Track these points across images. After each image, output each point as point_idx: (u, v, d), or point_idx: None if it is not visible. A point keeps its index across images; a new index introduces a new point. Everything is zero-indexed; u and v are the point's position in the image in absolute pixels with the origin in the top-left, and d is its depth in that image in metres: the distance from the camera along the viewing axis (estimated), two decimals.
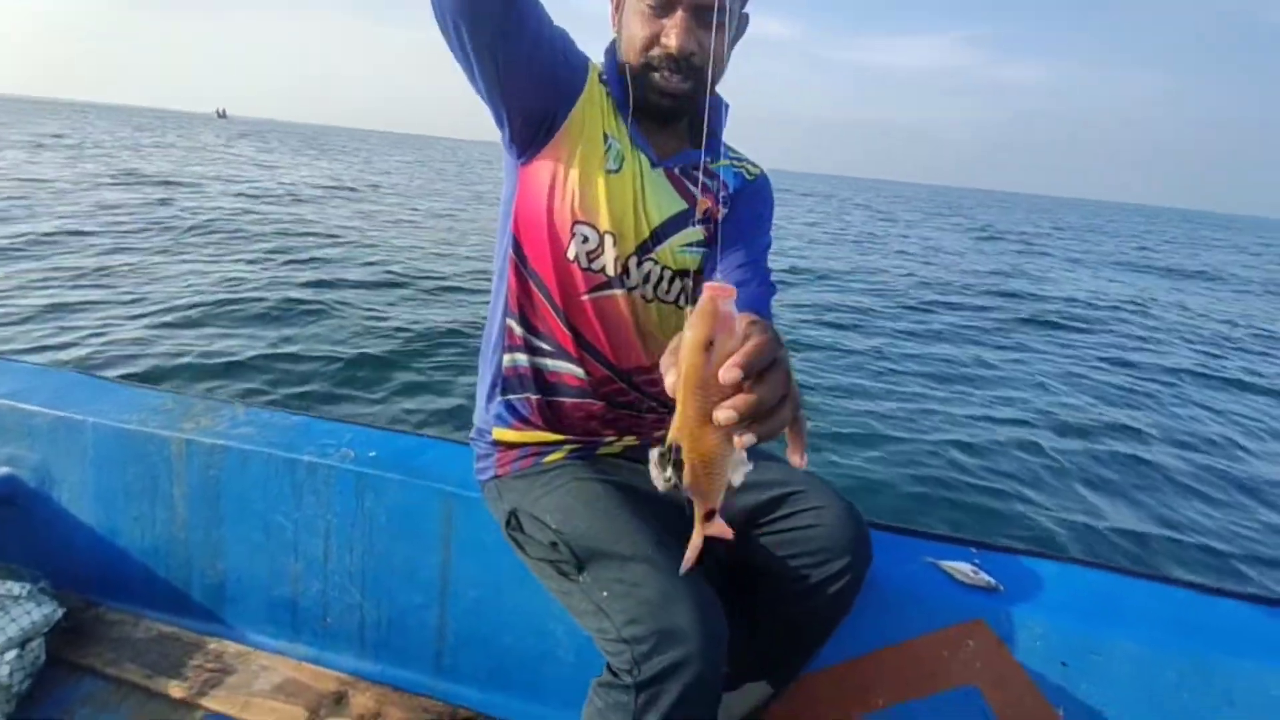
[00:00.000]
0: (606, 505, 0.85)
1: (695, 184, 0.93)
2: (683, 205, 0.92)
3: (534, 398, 0.95)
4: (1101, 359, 5.60)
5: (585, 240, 0.88)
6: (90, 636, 1.21)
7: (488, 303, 0.99)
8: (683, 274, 0.93)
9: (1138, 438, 3.82)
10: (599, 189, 0.87)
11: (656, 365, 0.95)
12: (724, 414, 0.42)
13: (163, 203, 9.35)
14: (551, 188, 0.87)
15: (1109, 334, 6.74)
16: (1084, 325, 7.05)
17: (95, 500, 1.32)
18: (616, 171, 0.88)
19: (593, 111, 0.88)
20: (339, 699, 1.11)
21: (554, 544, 0.83)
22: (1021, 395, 4.44)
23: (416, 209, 12.43)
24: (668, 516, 0.85)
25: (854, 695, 1.01)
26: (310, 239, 7.66)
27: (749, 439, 0.43)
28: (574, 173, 0.87)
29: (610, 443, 0.98)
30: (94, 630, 1.23)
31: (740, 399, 0.42)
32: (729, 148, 0.99)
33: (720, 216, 0.94)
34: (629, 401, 0.96)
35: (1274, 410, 4.70)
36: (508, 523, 0.90)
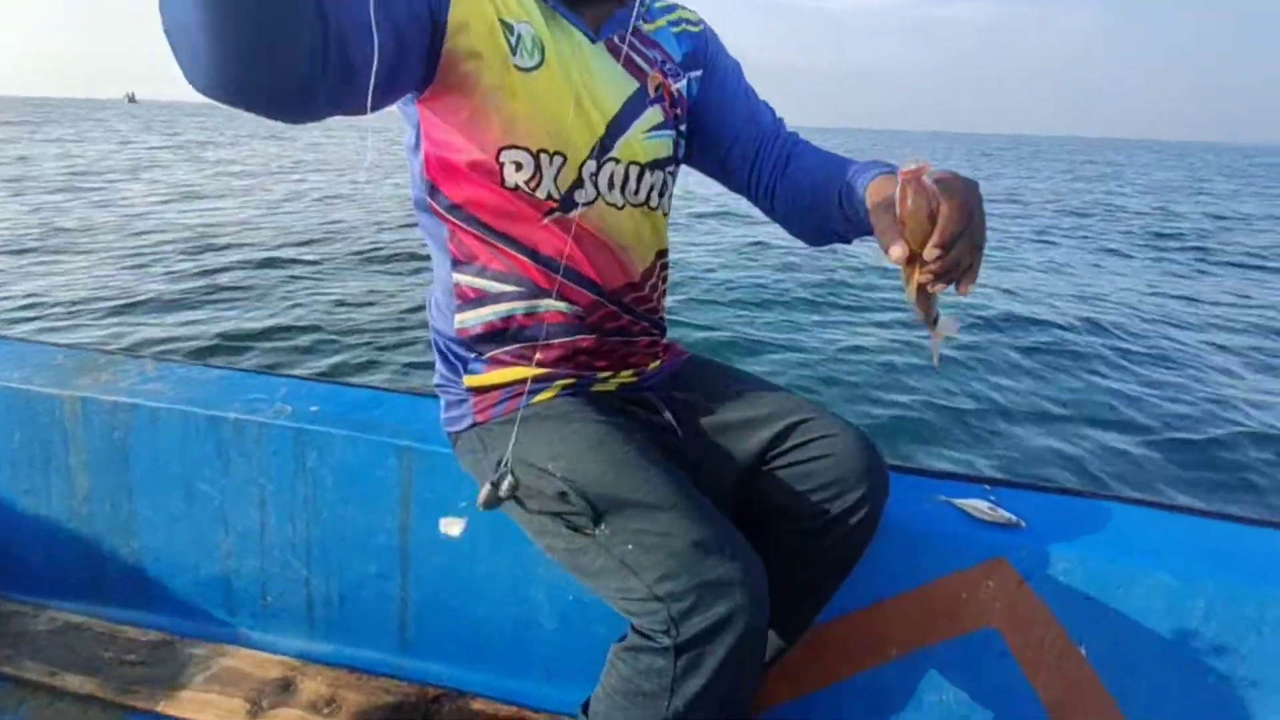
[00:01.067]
0: (618, 448, 0.72)
1: (635, 52, 0.78)
2: (634, 84, 0.77)
3: (507, 348, 0.80)
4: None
5: (519, 168, 0.72)
6: None
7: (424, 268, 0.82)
8: (653, 165, 0.79)
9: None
10: (514, 99, 0.69)
11: (643, 281, 0.83)
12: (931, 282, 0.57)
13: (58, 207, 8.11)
14: (458, 118, 0.70)
15: None
16: None
17: None
18: (534, 68, 0.70)
19: (477, 5, 0.68)
20: (285, 686, 0.97)
21: (563, 494, 0.70)
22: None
23: (357, 182, 11.75)
24: (674, 461, 0.75)
25: (867, 646, 0.94)
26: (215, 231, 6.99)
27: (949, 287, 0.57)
28: (478, 91, 0.69)
29: (605, 379, 0.84)
30: None
31: (937, 266, 0.55)
32: None
33: (676, 89, 0.81)
34: (620, 326, 0.82)
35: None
36: (497, 470, 0.77)
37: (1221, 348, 4.33)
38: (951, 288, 0.57)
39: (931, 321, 0.59)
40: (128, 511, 1.08)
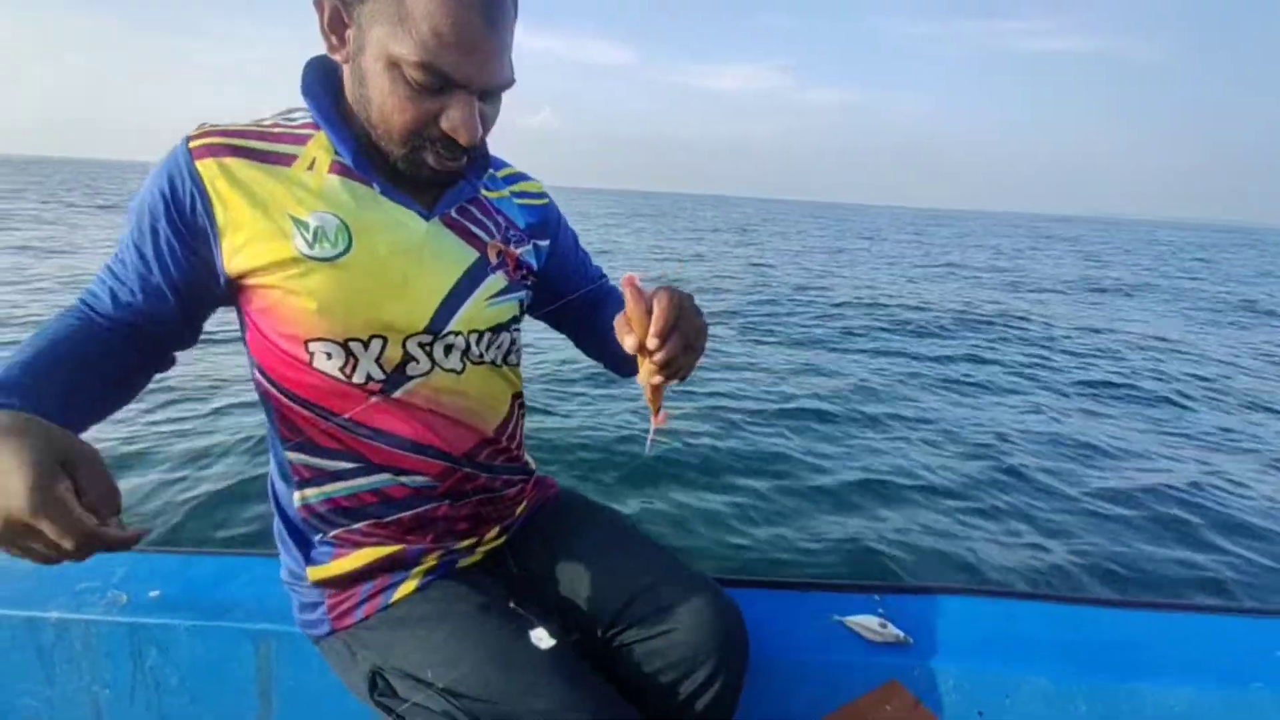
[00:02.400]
0: (500, 643, 0.68)
1: (475, 223, 0.76)
2: (474, 254, 0.74)
3: (355, 526, 0.74)
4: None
5: (329, 356, 0.68)
6: None
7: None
8: (496, 329, 0.77)
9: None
10: (309, 296, 0.65)
11: (498, 435, 0.79)
12: (652, 376, 0.63)
13: None
14: (262, 313, 0.68)
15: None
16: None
17: None
18: (337, 256, 0.66)
19: (250, 223, 0.65)
20: None
21: (445, 714, 0.65)
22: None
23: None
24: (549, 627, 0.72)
25: None
26: None
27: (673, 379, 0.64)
28: (272, 294, 0.66)
29: (470, 548, 0.79)
30: None
31: (658, 358, 0.60)
32: (496, 161, 0.83)
33: (519, 254, 0.80)
34: (479, 485, 0.78)
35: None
36: (372, 686, 0.70)
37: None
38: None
39: (655, 410, 0.66)
40: None
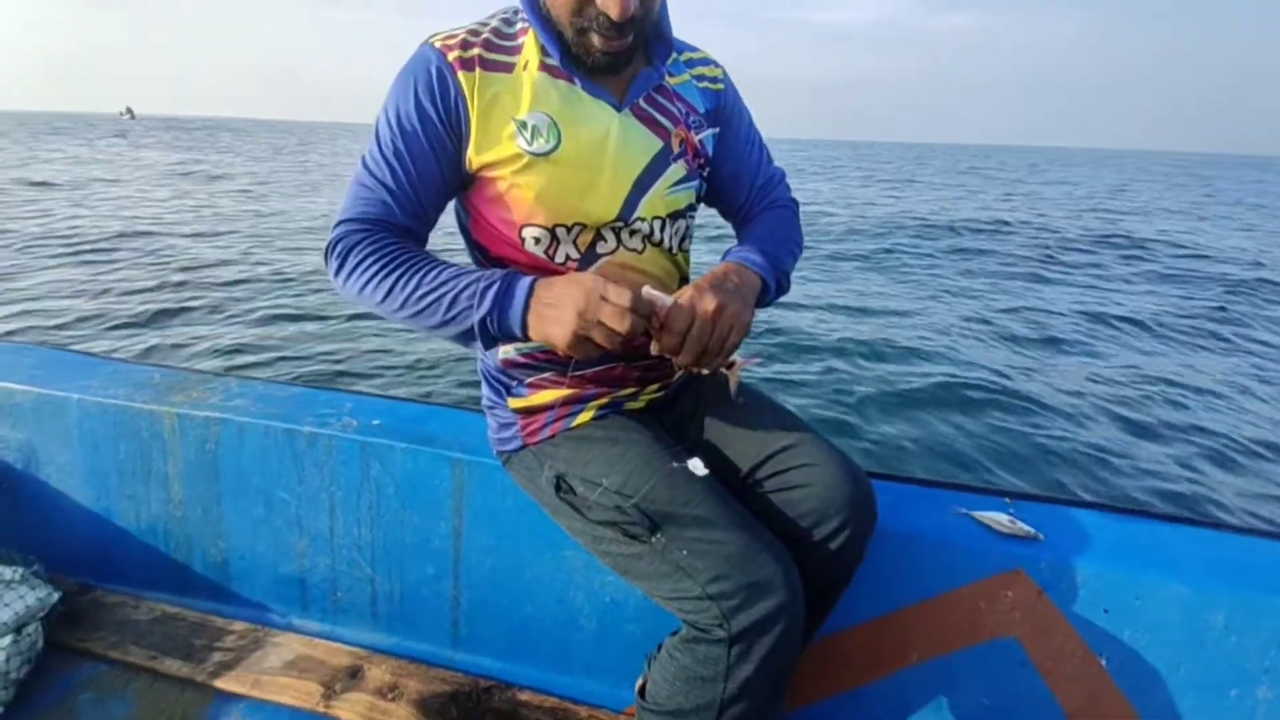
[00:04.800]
0: (663, 462, 0.81)
1: (661, 111, 0.85)
2: (659, 143, 0.84)
3: (545, 374, 0.89)
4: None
5: (537, 241, 0.81)
6: (89, 620, 1.16)
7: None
8: (673, 216, 0.87)
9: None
10: (529, 189, 0.78)
11: (668, 310, 0.91)
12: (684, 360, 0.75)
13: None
14: (486, 202, 0.82)
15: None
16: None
17: (86, 480, 1.26)
18: (550, 151, 0.77)
19: (494, 128, 0.77)
20: (354, 673, 1.07)
21: (619, 508, 0.79)
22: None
23: None
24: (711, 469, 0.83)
25: (889, 651, 0.98)
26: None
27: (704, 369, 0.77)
28: (498, 185, 0.79)
29: (634, 394, 0.92)
30: (93, 614, 1.18)
31: (678, 362, 0.75)
32: (679, 44, 0.91)
33: (699, 141, 0.88)
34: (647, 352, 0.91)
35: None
36: (558, 486, 0.85)
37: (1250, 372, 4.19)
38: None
39: (724, 368, 0.79)
40: (216, 516, 1.21)
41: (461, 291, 0.72)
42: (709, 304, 0.72)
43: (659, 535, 0.76)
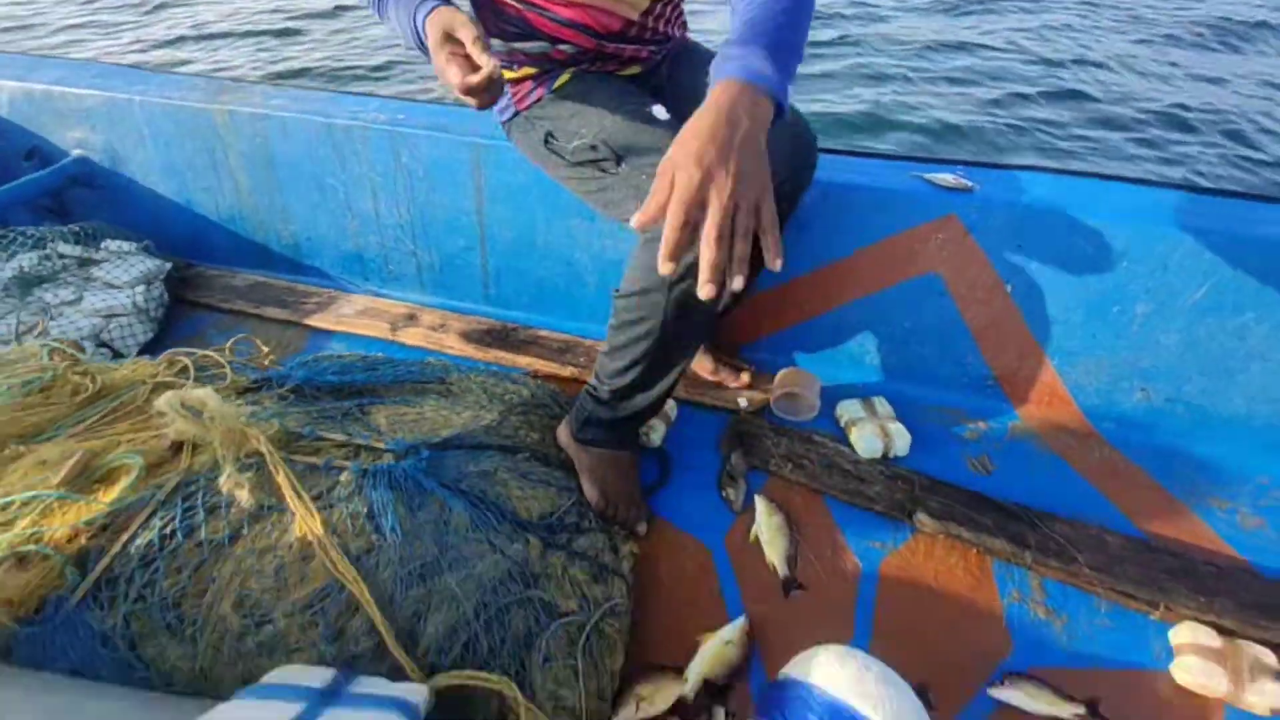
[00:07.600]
0: (631, 107, 0.94)
1: None
2: None
3: (533, 55, 0.99)
4: None
5: None
6: (199, 284, 1.46)
7: None
8: None
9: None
10: None
11: (645, 18, 0.96)
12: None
13: None
14: None
15: None
16: None
17: (164, 175, 1.47)
18: None
19: None
20: (411, 317, 1.36)
21: (592, 145, 0.94)
22: None
23: None
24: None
25: (837, 289, 1.20)
26: None
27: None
28: None
29: (614, 72, 1.04)
30: (200, 281, 1.47)
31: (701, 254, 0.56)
32: None
33: None
34: (625, 55, 1.00)
35: None
36: (545, 140, 1.00)
37: None
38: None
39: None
40: (280, 203, 1.43)
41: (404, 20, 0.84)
42: (692, 176, 0.56)
43: (623, 164, 0.92)
